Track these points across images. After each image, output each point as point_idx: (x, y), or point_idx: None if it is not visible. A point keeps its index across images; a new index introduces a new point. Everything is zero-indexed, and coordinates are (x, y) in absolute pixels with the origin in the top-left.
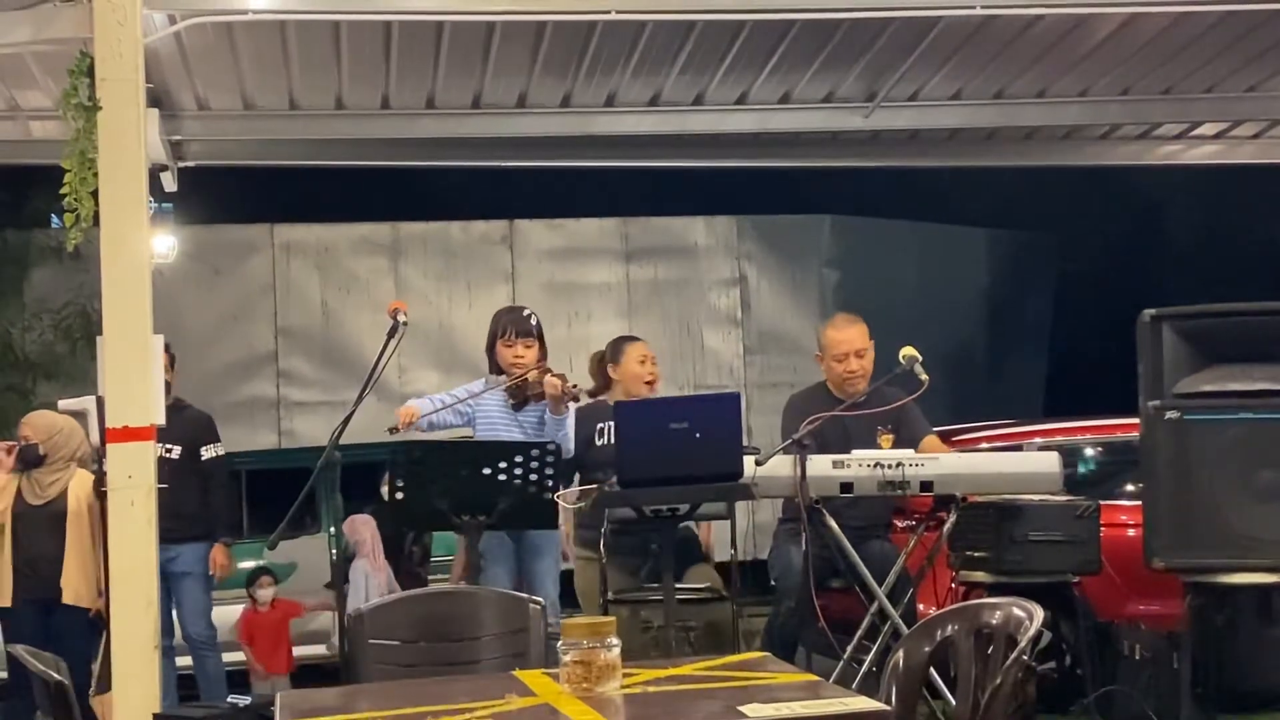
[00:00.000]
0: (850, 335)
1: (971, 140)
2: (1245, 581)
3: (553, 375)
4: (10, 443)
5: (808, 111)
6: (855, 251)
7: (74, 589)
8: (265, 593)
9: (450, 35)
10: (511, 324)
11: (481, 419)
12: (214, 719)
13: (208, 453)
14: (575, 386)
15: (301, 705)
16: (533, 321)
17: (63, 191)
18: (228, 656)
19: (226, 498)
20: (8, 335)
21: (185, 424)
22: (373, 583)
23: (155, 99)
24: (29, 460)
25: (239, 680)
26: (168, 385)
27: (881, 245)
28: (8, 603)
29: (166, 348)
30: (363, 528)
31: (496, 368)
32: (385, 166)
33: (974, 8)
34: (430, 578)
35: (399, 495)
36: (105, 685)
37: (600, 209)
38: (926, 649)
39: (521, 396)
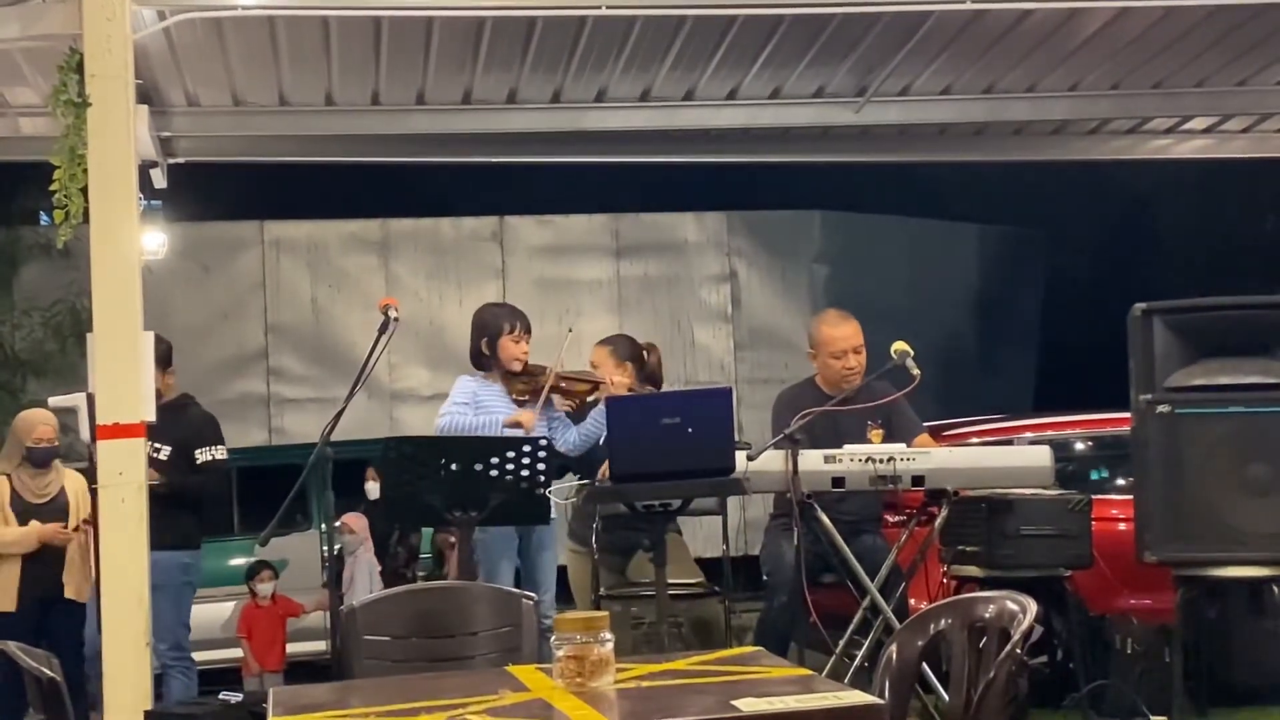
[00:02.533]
0: (847, 332)
1: (961, 135)
2: (1236, 575)
3: (616, 377)
4: None
5: (798, 107)
6: (845, 247)
7: (75, 584)
8: (265, 586)
9: (440, 31)
10: (519, 320)
11: (484, 417)
12: (205, 716)
13: (202, 455)
14: (638, 385)
15: (294, 701)
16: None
17: (52, 188)
18: (219, 654)
19: (212, 502)
20: None
21: (182, 423)
22: (376, 578)
23: (145, 95)
24: (50, 459)
25: (231, 677)
26: (160, 390)
27: (872, 241)
28: (12, 607)
29: (163, 343)
30: (359, 525)
31: (488, 364)
32: (375, 163)
33: (964, 2)
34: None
35: (387, 492)
36: None
37: (590, 205)
38: (920, 643)
39: (534, 395)
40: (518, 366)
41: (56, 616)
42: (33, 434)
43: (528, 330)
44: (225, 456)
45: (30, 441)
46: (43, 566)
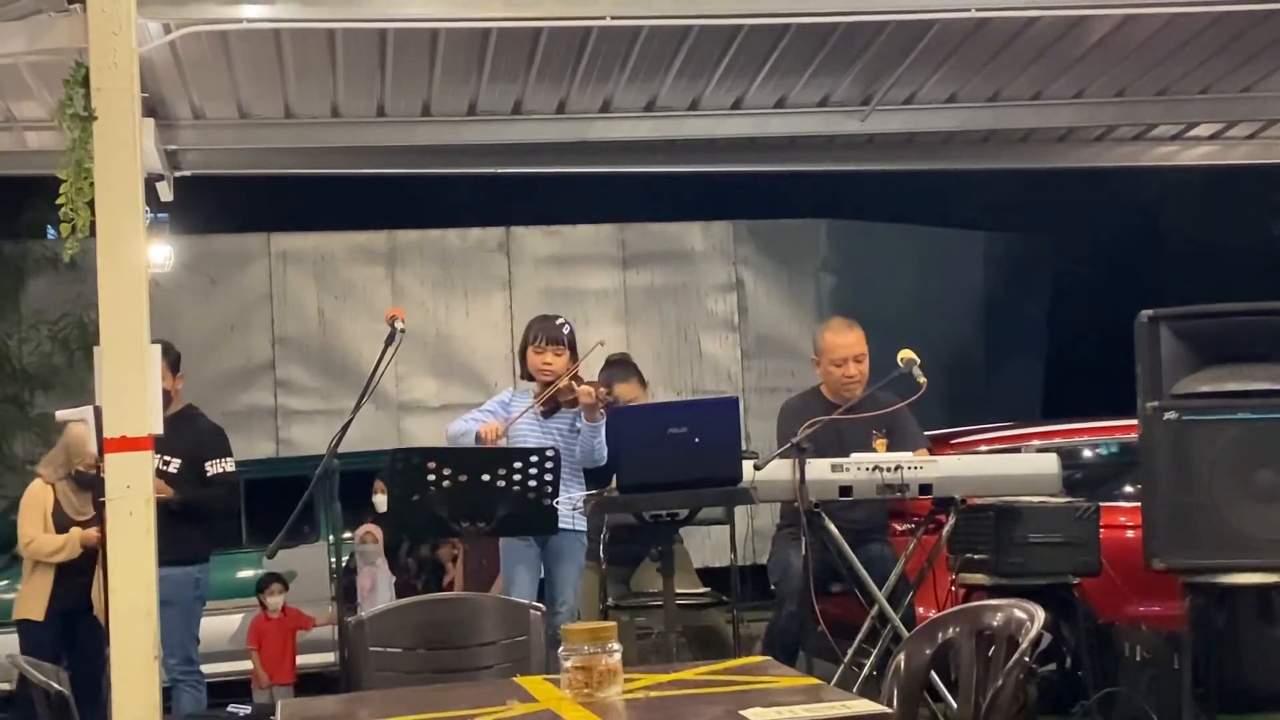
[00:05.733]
0: (850, 340)
1: (967, 143)
2: (1245, 581)
3: (585, 383)
4: None
5: (803, 116)
6: (852, 255)
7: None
8: (275, 599)
9: (445, 42)
10: (542, 331)
11: (500, 420)
12: None
13: (212, 468)
14: (608, 392)
15: (302, 713)
16: (565, 330)
17: (59, 202)
18: (228, 667)
19: (222, 515)
20: (5, 346)
21: (190, 434)
22: (393, 589)
23: (151, 108)
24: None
25: (241, 690)
26: (171, 397)
27: (878, 249)
28: (40, 616)
29: (173, 350)
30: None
31: (527, 375)
32: (381, 174)
33: (969, 10)
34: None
35: (395, 504)
36: None
37: (597, 215)
38: (928, 651)
39: (552, 404)
40: (543, 378)
41: (81, 629)
42: (85, 459)
43: (553, 341)
44: (234, 469)
45: (82, 466)
46: (74, 579)
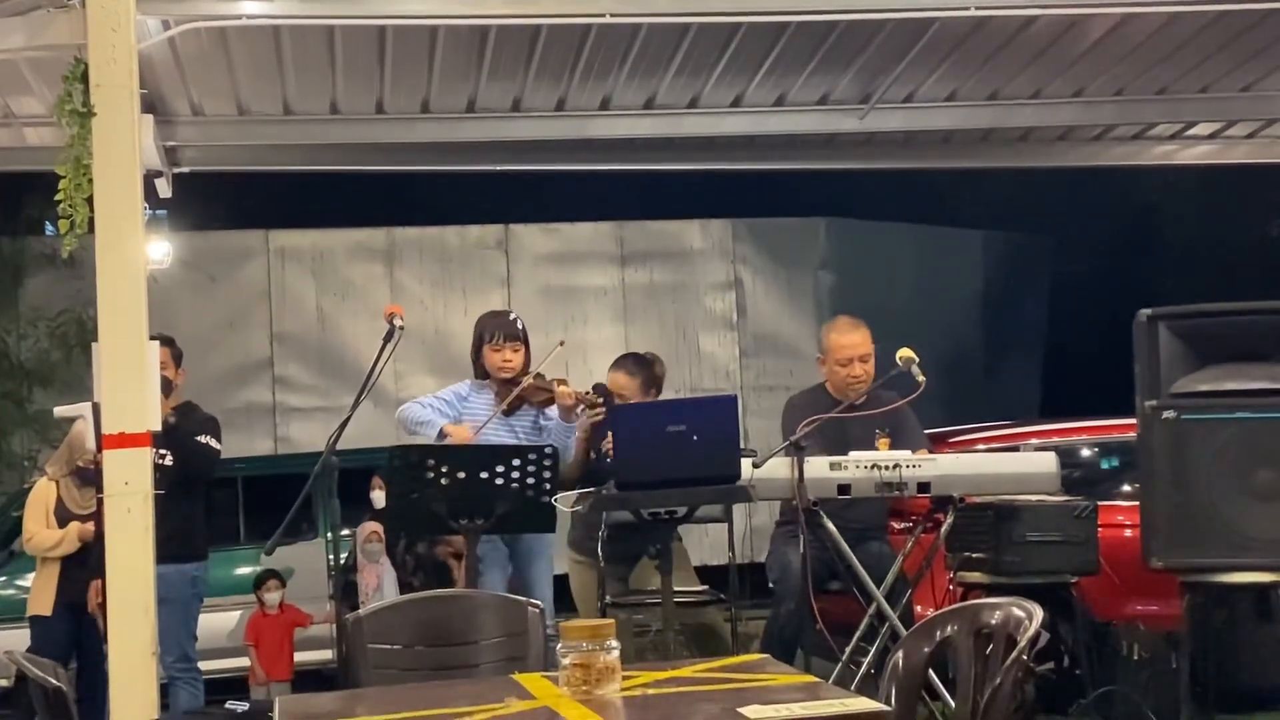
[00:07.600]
0: (856, 340)
1: (966, 142)
2: (1243, 580)
3: (563, 385)
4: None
5: (802, 114)
6: (851, 254)
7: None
8: (272, 596)
9: (445, 39)
10: (499, 328)
11: (469, 423)
12: None
13: (201, 439)
14: (589, 394)
15: (300, 710)
16: (519, 325)
17: (58, 198)
18: (226, 663)
19: (207, 474)
20: (3, 343)
21: (184, 426)
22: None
23: (150, 105)
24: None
25: (238, 686)
26: (172, 386)
27: (877, 247)
28: (48, 611)
29: (174, 344)
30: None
31: (482, 372)
32: (380, 171)
33: (968, 9)
34: None
35: (393, 501)
36: None
37: (595, 213)
38: (926, 649)
39: (517, 402)
40: (503, 375)
41: (89, 624)
42: (85, 454)
43: (511, 338)
44: (219, 450)
45: (81, 461)
46: (80, 574)
